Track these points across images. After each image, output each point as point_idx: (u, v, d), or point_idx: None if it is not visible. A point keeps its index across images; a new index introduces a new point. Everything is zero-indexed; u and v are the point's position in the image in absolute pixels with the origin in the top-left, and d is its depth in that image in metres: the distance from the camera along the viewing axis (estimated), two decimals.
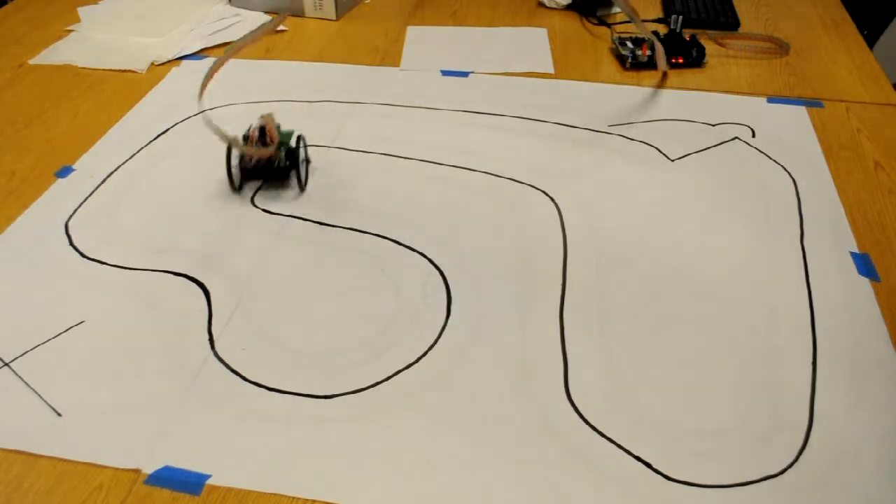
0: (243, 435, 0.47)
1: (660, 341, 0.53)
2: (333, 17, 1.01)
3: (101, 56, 0.91)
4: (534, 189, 0.68)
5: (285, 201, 0.67)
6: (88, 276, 0.59)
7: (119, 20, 1.00)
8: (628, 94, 0.83)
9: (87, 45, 0.94)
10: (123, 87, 0.85)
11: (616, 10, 1.03)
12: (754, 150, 0.74)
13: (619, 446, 0.46)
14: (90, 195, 0.68)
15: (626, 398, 0.49)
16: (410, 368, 0.51)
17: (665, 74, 0.87)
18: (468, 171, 0.71)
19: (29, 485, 0.44)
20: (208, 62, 0.90)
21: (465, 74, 0.87)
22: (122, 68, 0.89)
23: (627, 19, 1.00)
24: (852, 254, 0.61)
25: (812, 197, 0.67)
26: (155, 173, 0.71)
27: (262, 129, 0.66)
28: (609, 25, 0.99)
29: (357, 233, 0.63)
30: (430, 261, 0.60)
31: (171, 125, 0.78)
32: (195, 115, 0.70)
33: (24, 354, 0.52)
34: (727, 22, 0.97)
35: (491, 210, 0.66)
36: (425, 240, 0.62)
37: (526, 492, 0.44)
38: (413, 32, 0.98)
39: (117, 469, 0.45)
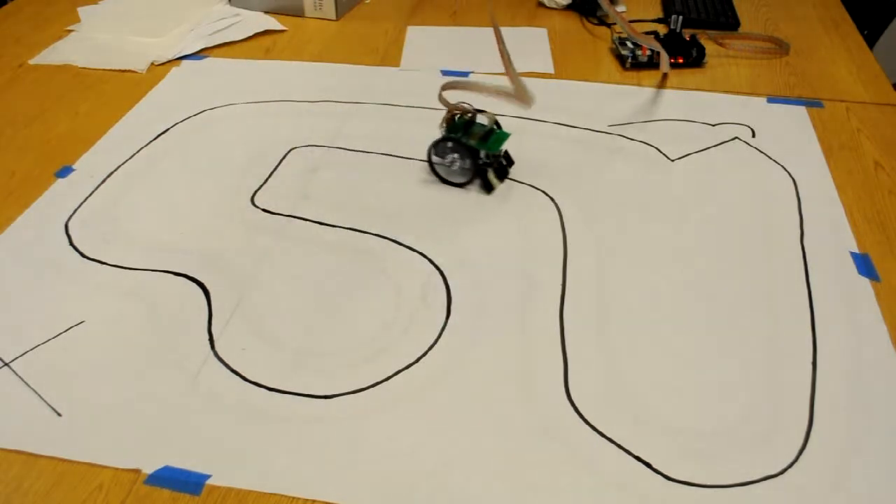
0: (243, 435, 0.47)
1: (660, 341, 0.53)
2: (333, 17, 1.01)
3: (101, 56, 0.91)
4: (534, 189, 0.68)
5: (285, 201, 0.67)
6: (88, 276, 0.59)
7: (119, 20, 1.00)
8: (628, 94, 0.83)
9: (87, 45, 0.94)
10: (123, 87, 0.85)
11: (618, 9, 1.03)
12: (754, 150, 0.74)
13: (619, 446, 0.46)
14: (90, 195, 0.68)
15: (626, 398, 0.49)
16: (410, 368, 0.51)
17: (665, 75, 0.87)
18: None
19: (29, 485, 0.44)
20: (209, 63, 0.90)
21: (465, 74, 0.87)
22: (122, 68, 0.89)
23: (628, 19, 1.00)
24: (852, 254, 0.61)
25: (812, 197, 0.67)
26: (155, 173, 0.71)
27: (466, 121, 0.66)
28: (609, 25, 0.99)
29: (357, 233, 0.63)
30: (430, 261, 0.60)
31: (171, 125, 0.78)
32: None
33: (24, 354, 0.52)
34: (727, 22, 0.97)
35: (491, 210, 0.66)
36: (425, 240, 0.62)
37: (526, 491, 0.44)
38: (413, 32, 0.98)
39: (117, 469, 0.45)
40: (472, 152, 0.66)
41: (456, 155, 0.66)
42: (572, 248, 0.61)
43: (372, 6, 1.06)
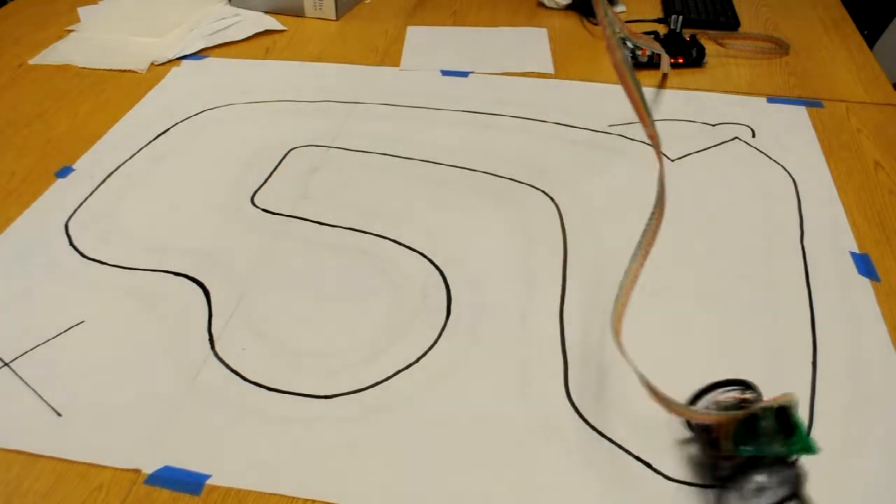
0: (243, 435, 0.47)
1: (660, 341, 0.53)
2: (333, 17, 1.01)
3: (101, 56, 0.91)
4: (534, 189, 0.68)
5: (285, 201, 0.67)
6: (88, 276, 0.59)
7: (119, 20, 1.00)
8: None
9: (87, 45, 0.94)
10: (123, 87, 0.85)
11: (617, 9, 1.03)
12: (754, 150, 0.74)
13: (620, 446, 0.46)
14: (90, 195, 0.68)
15: (627, 399, 0.49)
16: (410, 368, 0.51)
17: (665, 75, 0.87)
18: (468, 171, 0.71)
19: (29, 485, 0.44)
20: (209, 63, 0.90)
21: (465, 74, 0.87)
22: (122, 68, 0.89)
23: (628, 19, 1.00)
24: (852, 254, 0.60)
25: (812, 197, 0.67)
26: (155, 173, 0.71)
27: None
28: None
29: (357, 233, 0.63)
30: (430, 261, 0.60)
31: (171, 125, 0.78)
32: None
33: (24, 354, 0.52)
34: (727, 22, 0.97)
35: (491, 210, 0.66)
36: (425, 240, 0.62)
37: (526, 492, 0.44)
38: (413, 32, 0.98)
39: (117, 469, 0.45)
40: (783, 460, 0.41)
41: (764, 478, 0.40)
42: (572, 248, 0.61)
43: (372, 6, 1.06)
